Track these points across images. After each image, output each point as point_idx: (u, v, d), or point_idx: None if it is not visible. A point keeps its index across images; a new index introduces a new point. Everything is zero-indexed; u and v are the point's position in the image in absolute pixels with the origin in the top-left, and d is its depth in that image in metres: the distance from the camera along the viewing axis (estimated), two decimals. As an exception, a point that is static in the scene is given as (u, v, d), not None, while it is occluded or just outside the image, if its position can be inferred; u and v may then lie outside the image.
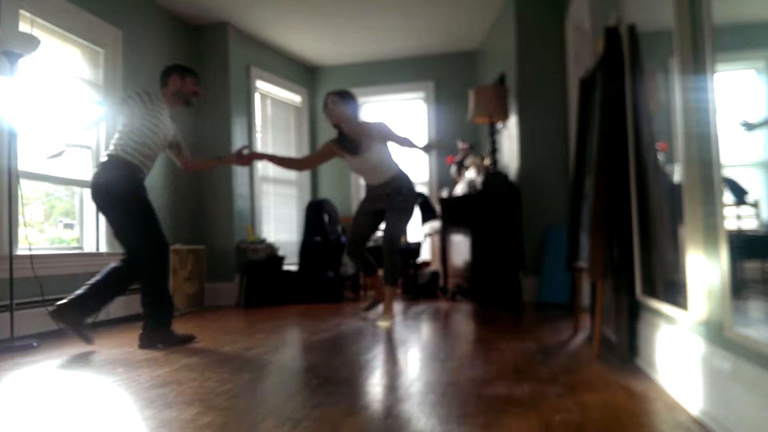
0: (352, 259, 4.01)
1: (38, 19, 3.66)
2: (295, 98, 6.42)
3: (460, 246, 5.02)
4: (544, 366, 2.26)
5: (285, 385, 2.09)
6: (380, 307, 4.10)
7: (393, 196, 3.76)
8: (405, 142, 3.62)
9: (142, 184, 3.08)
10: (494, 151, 4.76)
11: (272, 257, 5.26)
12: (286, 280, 5.20)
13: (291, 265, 5.73)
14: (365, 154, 3.72)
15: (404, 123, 6.58)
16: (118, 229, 3.06)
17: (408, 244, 5.53)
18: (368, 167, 3.79)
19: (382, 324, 3.56)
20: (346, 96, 3.75)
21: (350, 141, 3.75)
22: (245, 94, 5.59)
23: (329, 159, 4.03)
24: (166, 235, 3.16)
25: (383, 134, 3.68)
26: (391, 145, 3.76)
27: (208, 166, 3.95)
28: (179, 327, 3.74)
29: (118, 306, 4.17)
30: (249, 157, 3.76)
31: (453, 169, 5.69)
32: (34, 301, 3.47)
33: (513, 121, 4.83)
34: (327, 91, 3.96)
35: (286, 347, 2.88)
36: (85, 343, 3.04)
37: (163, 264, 3.08)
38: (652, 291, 2.07)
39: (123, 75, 4.38)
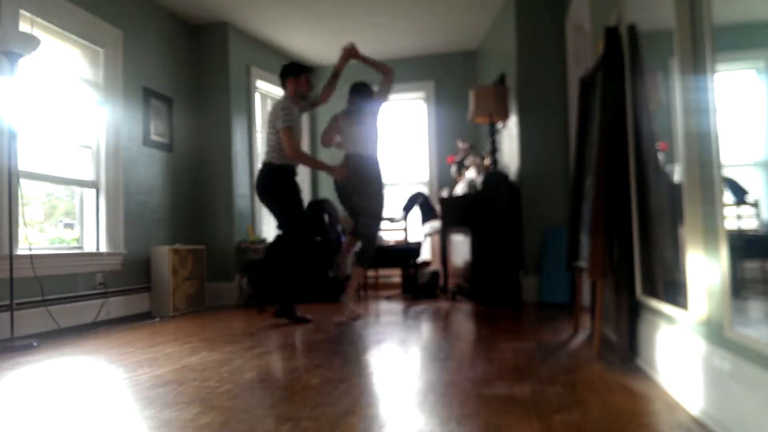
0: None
1: (38, 19, 3.66)
2: (295, 98, 6.41)
3: (460, 246, 5.02)
4: (544, 366, 2.27)
5: (285, 385, 2.09)
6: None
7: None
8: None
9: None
10: (494, 151, 4.76)
11: (272, 257, 5.26)
12: (286, 280, 5.20)
13: (291, 265, 5.71)
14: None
15: (404, 123, 6.59)
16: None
17: (408, 244, 5.53)
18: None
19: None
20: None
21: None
22: (245, 94, 5.59)
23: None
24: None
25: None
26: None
27: (314, 166, 4.15)
28: (179, 327, 3.74)
29: (119, 306, 4.18)
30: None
31: (453, 168, 5.69)
32: (34, 301, 3.48)
33: (513, 121, 4.83)
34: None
35: (286, 347, 2.88)
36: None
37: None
38: (652, 291, 2.07)
39: (123, 75, 4.38)
